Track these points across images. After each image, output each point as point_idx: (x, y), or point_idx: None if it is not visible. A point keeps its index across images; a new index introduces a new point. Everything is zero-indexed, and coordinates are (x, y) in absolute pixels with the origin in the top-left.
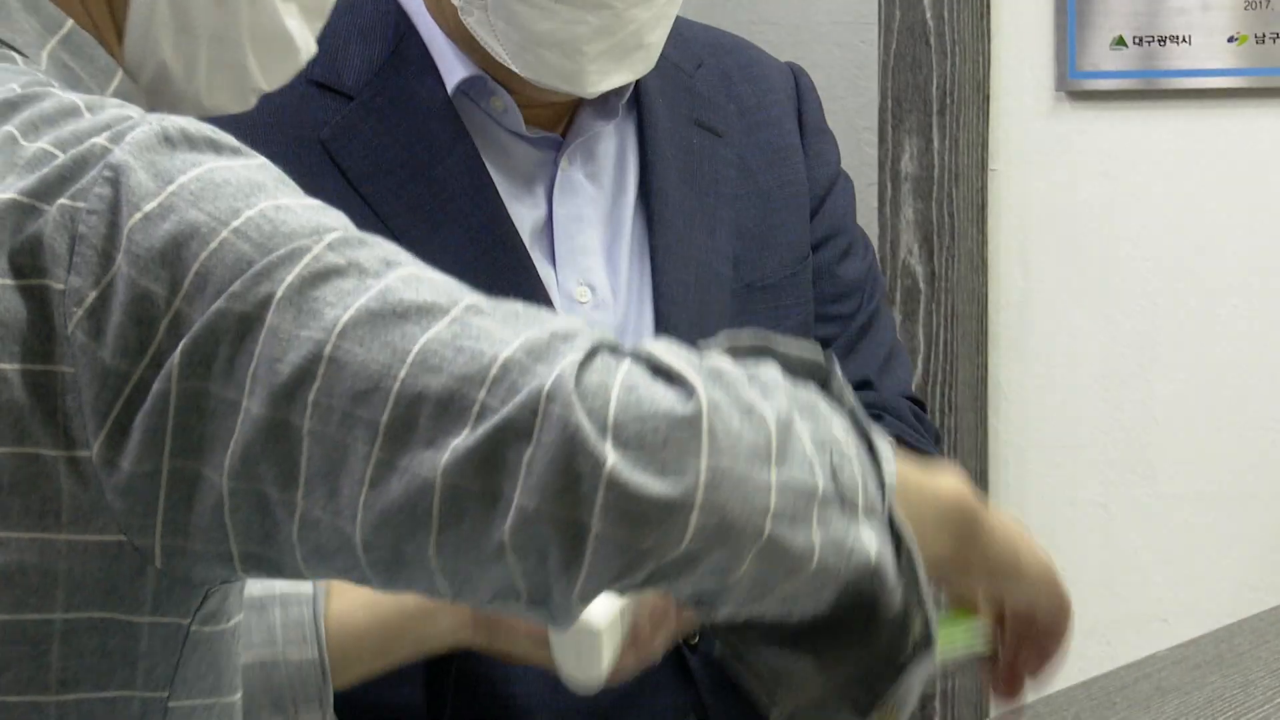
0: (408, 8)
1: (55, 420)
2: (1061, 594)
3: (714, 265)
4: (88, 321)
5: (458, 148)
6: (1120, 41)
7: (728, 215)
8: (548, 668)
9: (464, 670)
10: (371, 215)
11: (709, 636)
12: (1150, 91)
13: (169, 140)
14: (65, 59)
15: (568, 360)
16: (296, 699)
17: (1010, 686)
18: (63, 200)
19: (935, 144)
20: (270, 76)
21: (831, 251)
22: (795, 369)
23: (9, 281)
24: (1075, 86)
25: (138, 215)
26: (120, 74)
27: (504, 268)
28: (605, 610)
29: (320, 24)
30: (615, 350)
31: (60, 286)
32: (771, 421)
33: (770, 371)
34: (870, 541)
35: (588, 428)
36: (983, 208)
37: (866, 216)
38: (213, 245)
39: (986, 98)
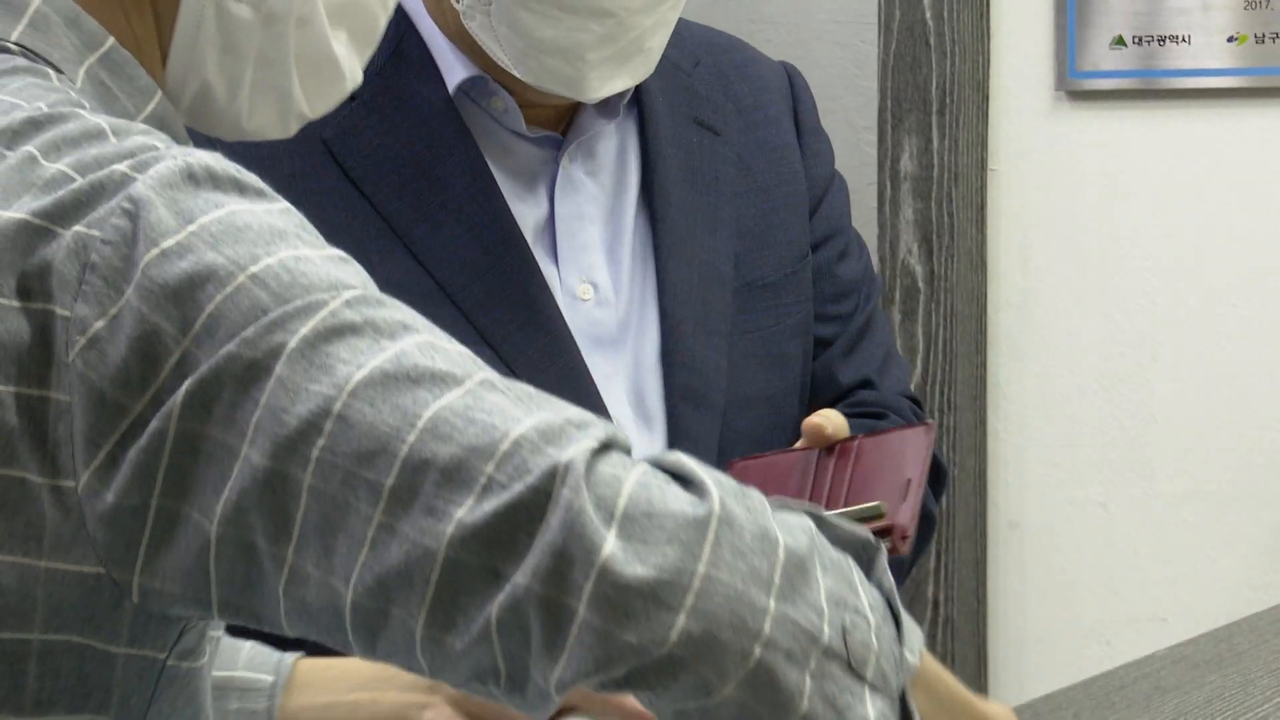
0: (408, 8)
1: (44, 447)
2: None
3: (716, 263)
4: (90, 351)
5: (460, 147)
6: (1120, 41)
7: (728, 213)
8: None
9: None
10: (374, 214)
11: None
12: (1150, 91)
13: (193, 178)
14: (103, 77)
15: (581, 446)
16: None
17: None
18: (78, 227)
19: (935, 143)
20: (315, 103)
21: (830, 251)
22: (840, 541)
23: (14, 303)
24: (1075, 86)
25: (155, 251)
26: (159, 95)
27: (507, 266)
28: None
29: (369, 52)
30: (628, 451)
31: (66, 313)
32: (782, 552)
33: (804, 521)
34: (871, 715)
35: (591, 514)
36: (982, 207)
37: (866, 216)
38: (228, 289)
39: (986, 97)
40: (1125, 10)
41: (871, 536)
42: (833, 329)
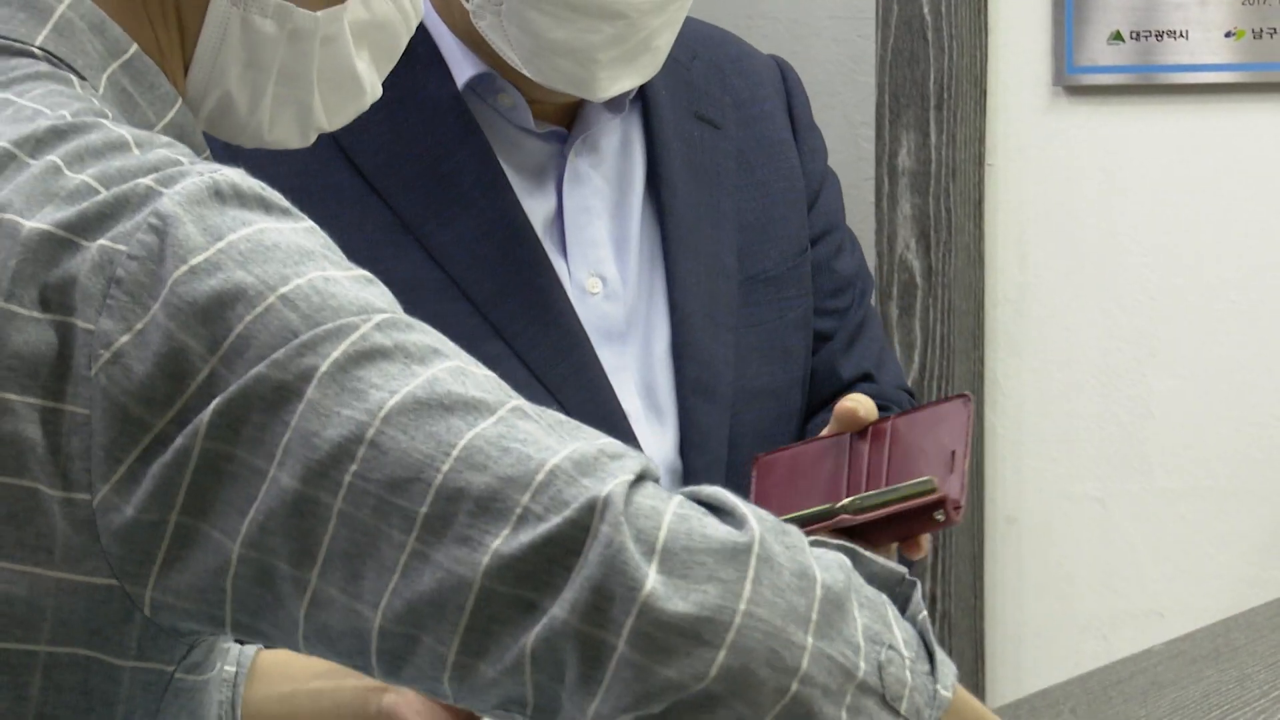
0: None
1: (57, 459)
2: None
3: (720, 257)
4: (113, 366)
5: (469, 143)
6: (1117, 36)
7: (729, 207)
8: None
9: None
10: (386, 210)
11: None
12: (1148, 86)
13: (220, 195)
14: (125, 84)
15: (619, 480)
16: None
17: None
18: (103, 240)
19: (932, 139)
20: (334, 116)
21: (828, 247)
22: (875, 578)
23: (36, 314)
24: (1072, 81)
25: (183, 268)
26: (179, 103)
27: (519, 261)
28: None
29: (390, 67)
30: (658, 481)
31: (89, 327)
32: (820, 589)
33: (841, 558)
34: None
35: (632, 549)
36: (980, 203)
37: (863, 211)
38: (258, 309)
39: (984, 92)
40: (1123, 5)
41: (906, 572)
42: (831, 323)
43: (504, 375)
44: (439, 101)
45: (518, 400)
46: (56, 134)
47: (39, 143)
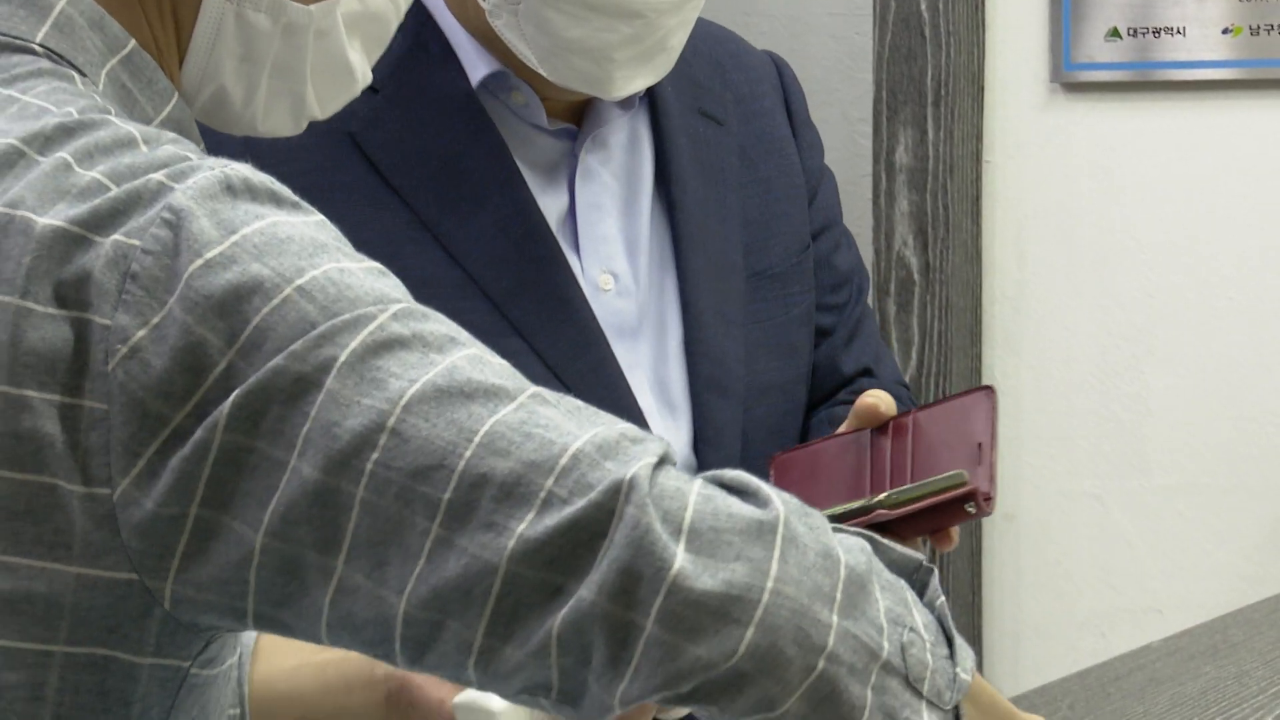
0: (425, 1)
1: (76, 455)
2: None
3: (728, 253)
4: (131, 361)
5: (483, 140)
6: (1115, 33)
7: (735, 204)
8: None
9: None
10: (403, 207)
11: None
12: (1145, 83)
13: (231, 189)
14: (124, 79)
15: (642, 463)
16: None
17: None
18: (117, 236)
19: (930, 135)
20: (325, 105)
21: (827, 242)
22: (894, 564)
23: (51, 310)
24: (1070, 78)
25: (199, 262)
26: (176, 98)
27: (535, 258)
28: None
29: (379, 53)
30: (677, 466)
31: (106, 322)
32: (844, 570)
33: (862, 543)
34: None
35: (659, 529)
36: (977, 199)
37: (861, 208)
38: (275, 301)
39: (981, 89)
40: (1120, 2)
41: (923, 559)
42: (831, 318)
43: (522, 372)
44: (453, 99)
45: (536, 387)
46: (65, 131)
47: (48, 140)
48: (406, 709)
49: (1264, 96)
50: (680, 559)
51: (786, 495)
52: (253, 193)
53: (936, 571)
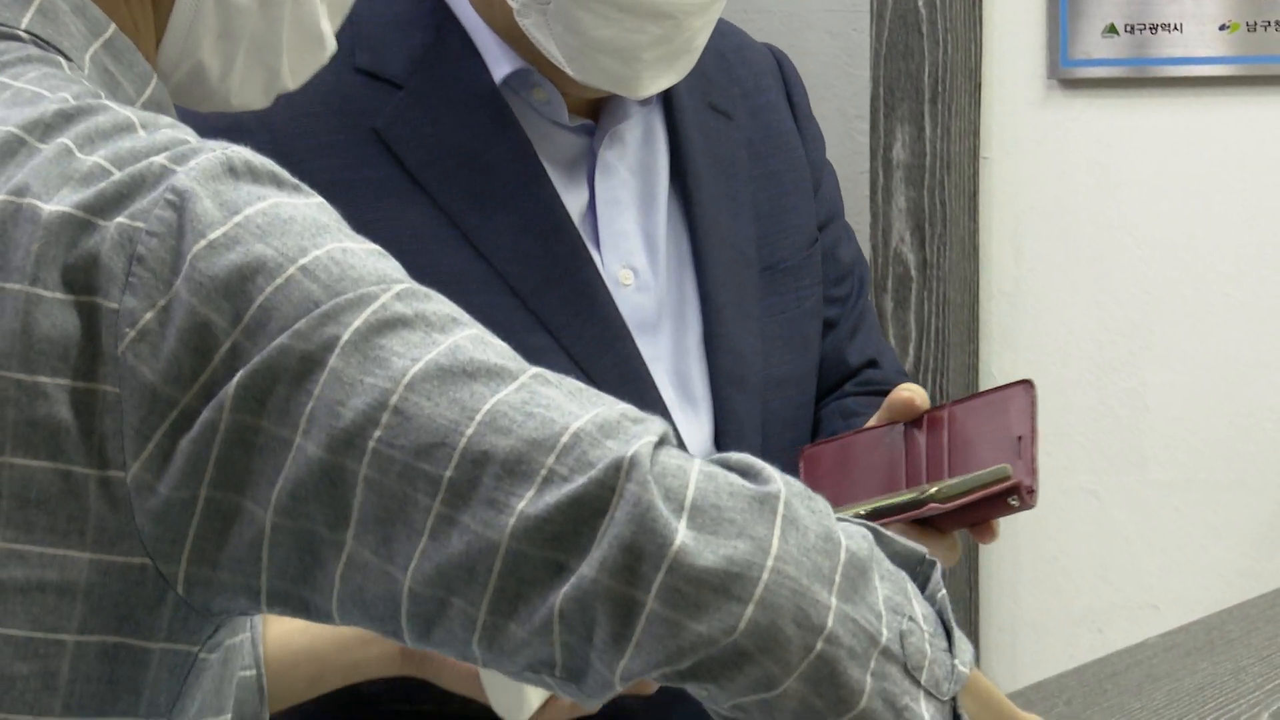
0: None
1: (91, 439)
2: None
3: (742, 247)
4: (140, 344)
5: (507, 137)
6: (1112, 29)
7: (746, 198)
8: (478, 699)
9: None
10: (431, 204)
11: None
12: (1142, 80)
13: (233, 171)
14: (107, 63)
15: (643, 441)
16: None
17: None
18: (121, 219)
19: (927, 132)
20: (297, 76)
21: (831, 235)
22: (898, 557)
23: (60, 296)
24: (1067, 75)
25: (202, 243)
26: (155, 80)
27: (559, 254)
28: None
29: (341, 20)
30: (682, 446)
31: (114, 306)
32: (844, 554)
33: (864, 531)
34: (927, 715)
35: (661, 506)
36: (974, 195)
37: (858, 205)
38: (279, 281)
39: (978, 86)
40: None
41: (926, 552)
42: (836, 310)
43: (548, 367)
44: (476, 95)
45: (538, 368)
46: (64, 117)
47: (48, 127)
48: (421, 661)
49: (1261, 93)
50: (682, 535)
51: (790, 478)
52: (254, 174)
53: (939, 566)
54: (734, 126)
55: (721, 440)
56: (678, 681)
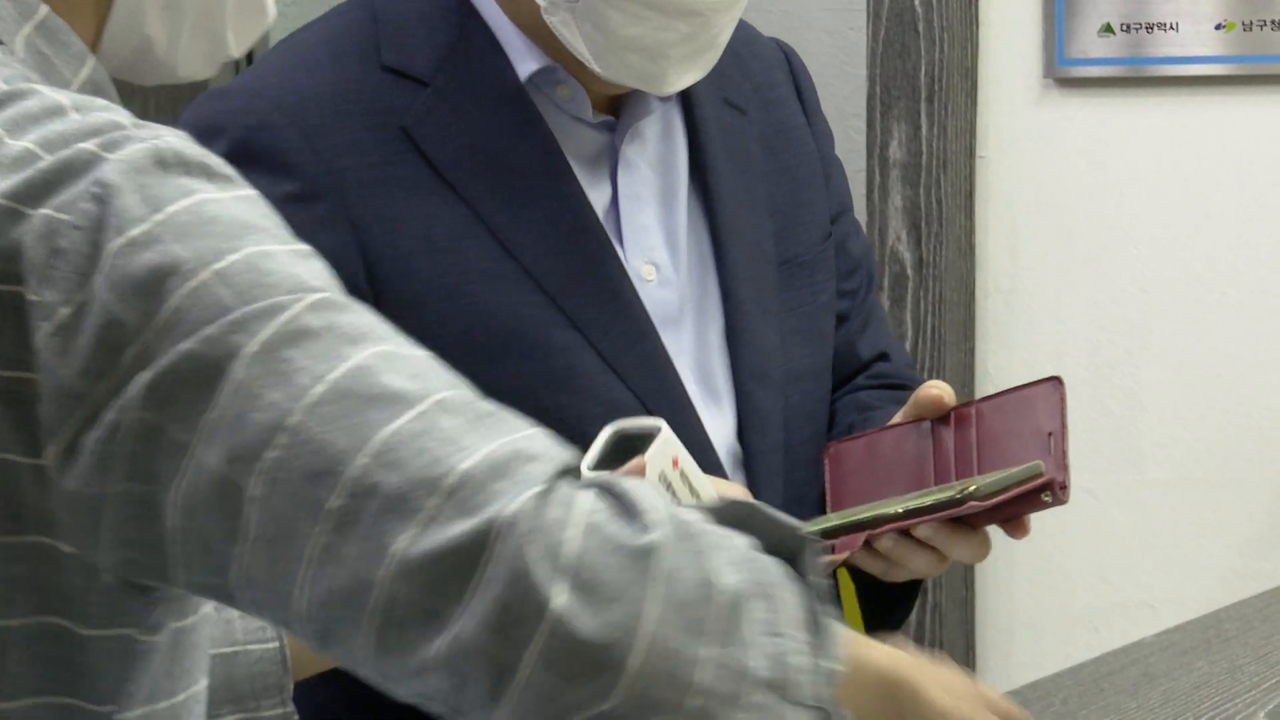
0: None
1: (25, 427)
2: None
3: (760, 242)
4: (55, 338)
5: (533, 134)
6: (1108, 29)
7: (762, 193)
8: None
9: None
10: (459, 201)
11: None
12: (1138, 79)
13: (163, 162)
14: (40, 45)
15: (529, 492)
16: (256, 691)
17: None
18: (45, 210)
19: (924, 130)
20: (241, 43)
21: (841, 229)
22: (772, 540)
23: None
24: (1063, 74)
25: (121, 240)
26: (92, 60)
27: (586, 251)
28: None
29: None
30: (578, 476)
31: (35, 298)
32: (718, 595)
33: (744, 542)
34: None
35: (536, 569)
36: (971, 194)
37: (855, 203)
38: (192, 284)
39: (975, 84)
40: None
41: (799, 527)
42: (847, 304)
43: (576, 364)
44: (502, 93)
45: (445, 391)
46: None
47: None
48: None
49: (1257, 92)
50: (558, 599)
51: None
52: (185, 165)
53: (817, 542)
54: (747, 121)
55: (745, 435)
56: None
